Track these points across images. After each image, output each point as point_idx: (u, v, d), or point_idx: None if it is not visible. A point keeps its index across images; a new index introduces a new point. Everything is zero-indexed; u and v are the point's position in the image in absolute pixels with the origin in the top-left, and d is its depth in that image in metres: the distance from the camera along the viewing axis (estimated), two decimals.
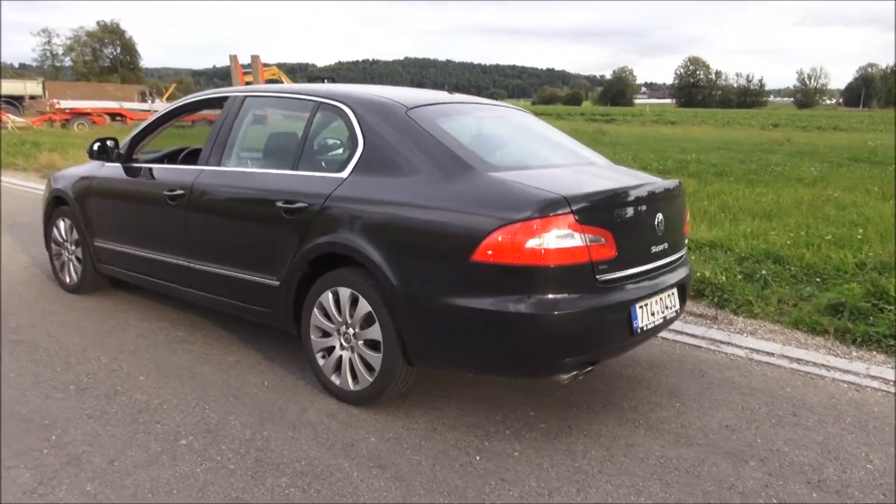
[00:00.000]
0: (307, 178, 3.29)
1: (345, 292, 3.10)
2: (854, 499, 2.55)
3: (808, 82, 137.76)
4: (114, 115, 26.37)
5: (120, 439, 2.81)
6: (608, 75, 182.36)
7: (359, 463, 2.69)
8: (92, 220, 4.51)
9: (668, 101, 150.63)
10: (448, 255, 2.76)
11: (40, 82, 35.73)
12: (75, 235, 4.70)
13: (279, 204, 3.28)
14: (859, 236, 6.12)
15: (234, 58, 29.48)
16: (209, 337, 4.04)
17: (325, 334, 3.24)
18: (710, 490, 2.58)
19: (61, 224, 4.83)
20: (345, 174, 3.15)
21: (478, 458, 2.76)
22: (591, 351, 2.80)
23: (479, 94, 4.24)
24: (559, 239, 2.64)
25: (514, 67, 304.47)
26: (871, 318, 4.32)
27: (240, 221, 3.53)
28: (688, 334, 4.28)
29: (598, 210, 2.77)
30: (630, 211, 2.94)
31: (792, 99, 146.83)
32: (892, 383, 3.63)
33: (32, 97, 33.10)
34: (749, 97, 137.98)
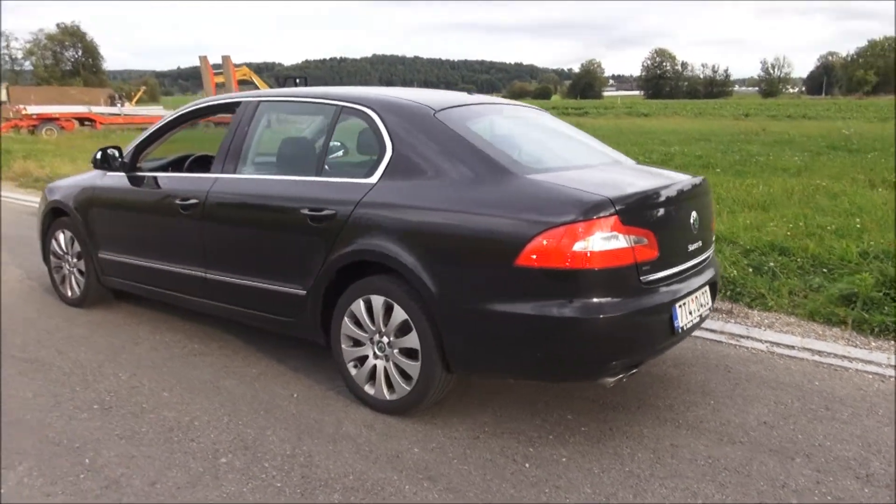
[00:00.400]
0: (333, 185, 3.21)
1: (378, 300, 3.03)
2: None
3: (772, 72, 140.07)
4: (82, 120, 25.75)
5: (157, 460, 2.72)
6: (576, 69, 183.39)
7: (408, 475, 2.63)
8: (95, 232, 4.37)
9: (637, 93, 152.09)
10: (490, 260, 2.71)
11: (4, 87, 34.77)
12: (77, 248, 4.56)
13: (304, 211, 3.20)
14: (858, 225, 6.19)
15: (203, 58, 29.08)
16: (226, 349, 3.94)
17: (357, 343, 3.17)
18: (763, 489, 2.57)
19: (61, 236, 4.67)
20: (373, 179, 3.08)
21: (527, 465, 2.72)
22: (636, 353, 2.77)
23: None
24: (604, 241, 2.61)
25: (482, 63, 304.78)
26: (885, 307, 4.37)
27: (260, 230, 3.44)
28: (707, 329, 4.27)
29: (640, 210, 2.75)
30: (669, 210, 2.92)
31: (757, 88, 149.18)
32: None
33: None
34: (715, 87, 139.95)
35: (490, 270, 2.71)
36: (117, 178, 4.25)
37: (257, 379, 3.51)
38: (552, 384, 3.41)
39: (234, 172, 3.61)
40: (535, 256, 2.61)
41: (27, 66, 78.53)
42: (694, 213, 3.08)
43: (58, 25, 79.13)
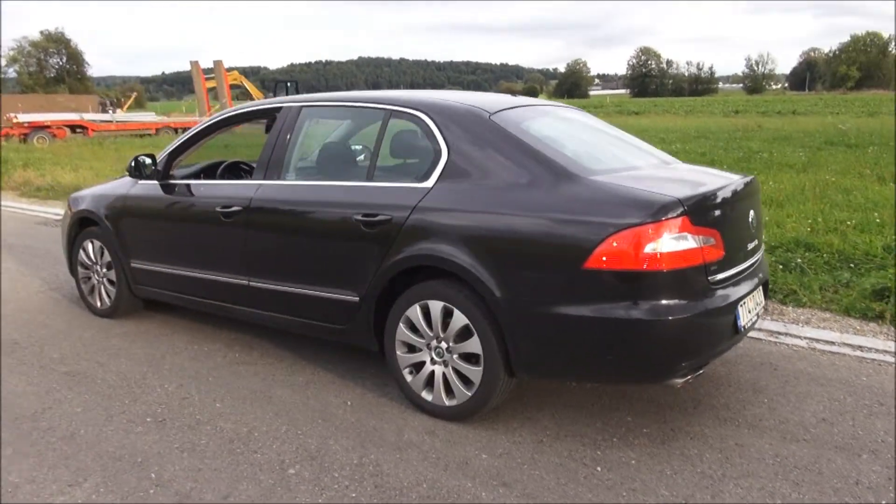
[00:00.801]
0: (387, 189, 3.18)
1: (436, 305, 3.01)
2: None
3: (756, 68, 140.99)
4: (74, 128, 25.51)
5: (224, 472, 2.68)
6: (561, 68, 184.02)
7: (482, 482, 2.61)
8: (128, 241, 4.31)
9: (623, 91, 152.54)
10: (558, 263, 2.70)
11: None
12: (107, 257, 4.50)
13: (357, 217, 3.17)
14: (877, 220, 6.23)
15: (195, 63, 28.93)
16: (267, 357, 3.90)
17: (413, 349, 3.15)
18: (838, 487, 2.57)
19: (89, 246, 4.61)
20: (429, 184, 3.05)
21: (598, 468, 2.70)
22: (704, 354, 2.76)
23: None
24: (675, 242, 2.60)
25: (468, 63, 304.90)
26: None
27: (309, 237, 3.40)
28: None
29: (706, 210, 2.74)
30: (731, 209, 2.92)
31: (741, 85, 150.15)
32: None
33: None
34: (700, 85, 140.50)
35: (558, 273, 2.70)
36: (150, 187, 4.19)
37: (307, 387, 3.47)
38: (610, 386, 3.40)
39: (278, 179, 3.58)
40: (605, 259, 2.59)
41: (10, 73, 77.69)
42: (752, 212, 3.08)
43: (41, 32, 78.29)
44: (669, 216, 2.59)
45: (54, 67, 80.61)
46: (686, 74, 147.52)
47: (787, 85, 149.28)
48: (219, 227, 3.73)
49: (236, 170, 4.52)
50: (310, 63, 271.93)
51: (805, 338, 4.12)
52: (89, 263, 4.65)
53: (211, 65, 29.31)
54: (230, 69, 31.05)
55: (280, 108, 3.72)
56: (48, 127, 24.02)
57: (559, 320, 2.70)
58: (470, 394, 2.98)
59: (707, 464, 2.73)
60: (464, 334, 2.96)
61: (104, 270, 4.56)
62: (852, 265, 5.19)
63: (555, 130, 3.31)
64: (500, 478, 2.64)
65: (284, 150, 3.59)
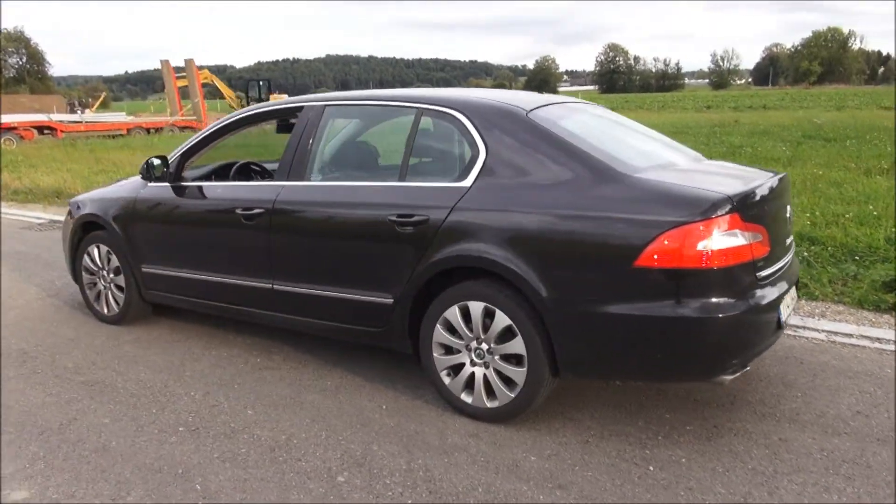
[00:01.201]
0: (423, 189, 3.13)
1: (476, 306, 2.96)
2: None
3: (721, 64, 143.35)
4: (41, 129, 24.87)
5: (271, 482, 2.61)
6: (530, 65, 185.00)
7: (537, 484, 2.58)
8: (138, 245, 4.19)
9: (591, 87, 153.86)
10: (607, 262, 2.67)
11: None
12: (115, 262, 4.36)
13: (391, 218, 3.11)
14: (874, 213, 6.34)
15: (165, 62, 28.47)
16: (290, 361, 3.82)
17: (451, 351, 3.10)
18: (890, 480, 2.59)
19: (95, 251, 4.47)
20: (467, 183, 3.01)
21: (650, 467, 2.69)
22: (753, 350, 2.77)
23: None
24: (726, 239, 2.59)
25: (436, 61, 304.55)
26: None
27: (338, 239, 3.33)
28: None
29: (753, 207, 2.74)
30: (773, 205, 2.93)
31: (707, 81, 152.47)
32: None
33: None
34: (667, 81, 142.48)
35: (607, 272, 2.67)
36: (162, 189, 4.08)
37: (337, 392, 3.41)
38: (649, 384, 3.38)
39: (303, 180, 3.50)
40: (656, 257, 2.58)
41: None
42: (788, 207, 3.09)
43: None
44: (720, 213, 2.58)
45: (14, 67, 78.67)
46: (653, 70, 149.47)
47: (750, 80, 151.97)
48: (239, 229, 3.64)
49: (247, 171, 4.41)
50: (277, 61, 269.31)
51: (823, 331, 4.16)
52: (95, 269, 4.51)
53: (180, 64, 28.87)
54: (200, 68, 30.53)
55: (302, 107, 3.63)
56: (15, 129, 23.38)
57: (608, 319, 2.68)
58: (513, 395, 2.94)
59: (756, 460, 2.73)
60: (506, 335, 2.92)
61: (111, 276, 4.42)
62: (857, 258, 5.26)
63: (588, 127, 3.29)
64: (553, 480, 2.61)
65: (308, 151, 3.51)
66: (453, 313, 3.03)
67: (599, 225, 2.68)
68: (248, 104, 34.29)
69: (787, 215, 3.08)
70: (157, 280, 4.16)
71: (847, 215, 6.31)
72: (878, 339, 4.01)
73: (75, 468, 2.73)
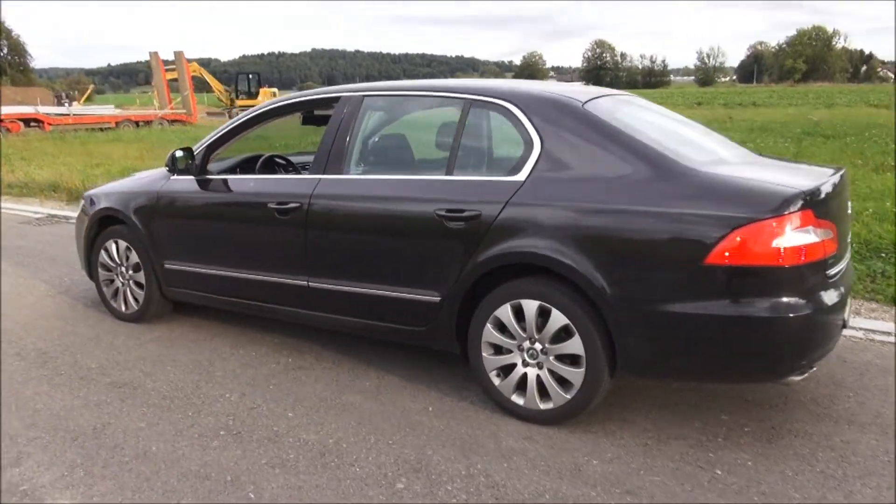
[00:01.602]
0: (473, 183, 3.02)
1: (531, 304, 2.86)
2: None
3: (707, 61, 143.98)
4: (28, 121, 24.43)
5: (328, 490, 2.49)
6: (517, 61, 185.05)
7: (605, 490, 2.48)
8: (161, 240, 4.04)
9: (579, 84, 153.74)
10: (676, 259, 2.58)
11: None
12: (134, 258, 4.21)
13: (440, 213, 3.00)
14: (893, 210, 6.31)
15: (154, 55, 28.08)
16: (323, 361, 3.69)
17: (501, 351, 3.00)
18: None
19: (113, 247, 4.31)
20: (521, 177, 2.90)
21: (718, 471, 2.60)
22: (822, 349, 2.69)
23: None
24: (799, 236, 2.50)
25: (423, 56, 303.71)
26: None
27: (381, 234, 3.21)
28: None
29: (824, 203, 2.66)
30: (839, 201, 2.85)
31: (693, 78, 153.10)
32: None
33: None
34: (654, 77, 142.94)
35: (676, 270, 2.58)
36: (187, 182, 3.93)
37: (378, 392, 3.29)
38: (716, 385, 3.29)
39: (341, 173, 3.37)
40: (727, 254, 2.49)
41: None
42: (849, 203, 3.01)
43: None
44: (793, 209, 2.49)
45: None
46: (640, 67, 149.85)
47: (735, 77, 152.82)
48: (272, 225, 3.50)
49: (272, 164, 4.27)
50: (262, 55, 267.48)
51: (860, 328, 4.10)
52: (113, 265, 4.35)
53: (168, 56, 28.50)
54: (188, 61, 30.15)
55: (338, 98, 3.50)
56: (1, 121, 22.95)
57: (676, 318, 2.58)
58: (569, 396, 2.85)
59: (824, 463, 2.66)
60: (562, 335, 2.82)
61: (130, 272, 4.27)
62: (882, 255, 5.22)
63: (642, 120, 3.18)
64: (620, 485, 2.51)
65: (346, 143, 3.38)
66: (505, 312, 2.93)
67: (667, 221, 2.58)
68: (238, 98, 34.18)
69: (849, 211, 3.00)
70: (180, 277, 4.02)
71: (867, 212, 6.27)
72: None
73: (117, 476, 2.59)
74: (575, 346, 2.79)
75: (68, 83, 72.16)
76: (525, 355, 2.94)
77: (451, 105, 3.22)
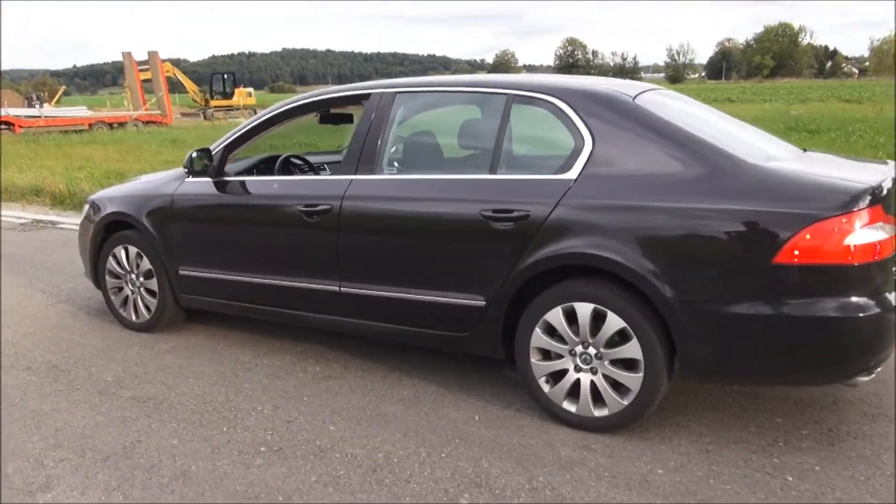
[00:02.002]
0: (521, 182, 2.90)
1: (584, 307, 2.75)
2: None
3: (677, 58, 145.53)
4: None
5: None
6: (489, 59, 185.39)
7: (677, 501, 2.38)
8: (176, 246, 3.86)
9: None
10: (742, 258, 2.49)
11: None
12: (146, 265, 4.02)
13: (485, 213, 2.88)
14: None
15: (127, 55, 27.49)
16: (352, 369, 3.55)
17: (551, 356, 2.89)
18: None
19: (122, 253, 4.12)
20: (572, 175, 2.79)
21: (788, 478, 2.52)
22: (889, 348, 2.61)
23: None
24: (870, 233, 2.43)
25: (395, 55, 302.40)
26: None
27: (422, 236, 3.08)
28: None
29: (889, 198, 2.58)
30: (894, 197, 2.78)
31: (663, 75, 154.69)
32: None
33: None
34: (625, 75, 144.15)
35: (742, 269, 2.49)
36: (204, 185, 3.75)
37: (418, 402, 3.16)
38: (780, 387, 3.21)
39: (374, 173, 3.23)
40: (797, 252, 2.40)
41: None
42: None
43: None
44: (862, 205, 2.42)
45: None
46: (611, 64, 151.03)
47: (704, 74, 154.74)
48: (300, 228, 3.35)
49: (288, 165, 4.10)
50: (232, 55, 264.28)
51: None
52: (122, 272, 4.15)
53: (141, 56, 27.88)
54: (162, 61, 29.55)
55: (368, 94, 3.36)
56: None
57: (742, 320, 2.50)
58: (626, 402, 2.74)
59: (891, 465, 2.59)
60: (619, 338, 2.72)
61: (141, 279, 4.08)
62: None
63: (692, 115, 3.09)
64: (692, 495, 2.42)
65: (378, 141, 3.24)
66: (556, 315, 2.81)
67: (733, 219, 2.49)
68: (213, 98, 33.63)
69: None
70: (196, 283, 3.84)
71: None
72: None
73: (159, 499, 2.43)
74: (632, 349, 2.69)
75: (33, 85, 70.53)
76: (577, 360, 2.83)
77: (493, 101, 3.09)
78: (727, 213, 2.50)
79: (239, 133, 3.74)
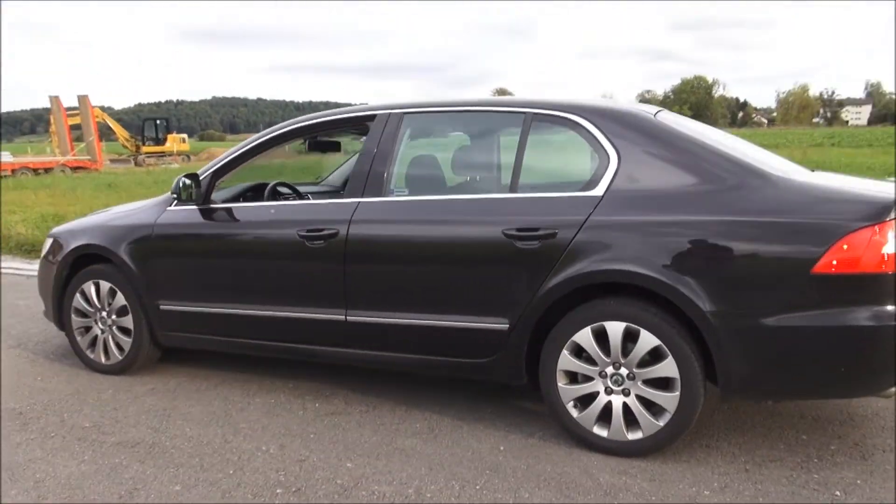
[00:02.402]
0: (545, 201, 2.82)
1: (615, 326, 2.67)
2: None
3: None
4: None
5: None
6: None
7: None
8: (156, 279, 3.58)
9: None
10: (780, 270, 2.47)
11: None
12: (120, 301, 3.71)
13: (508, 233, 2.78)
14: None
15: (55, 98, 26.57)
16: (354, 403, 3.34)
17: (579, 379, 2.78)
18: None
19: (91, 289, 3.79)
20: (599, 192, 2.73)
21: (838, 493, 2.46)
22: None
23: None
24: None
25: (327, 103, 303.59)
26: None
27: (438, 260, 2.95)
28: None
29: None
30: None
31: None
32: None
33: None
34: None
35: (780, 282, 2.47)
36: (188, 213, 3.52)
37: (435, 434, 2.98)
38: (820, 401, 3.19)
39: (381, 195, 3.10)
40: (835, 263, 2.40)
41: None
42: None
43: None
44: (894, 215, 2.44)
45: None
46: None
47: None
48: (300, 255, 3.17)
49: (275, 193, 3.89)
50: (160, 102, 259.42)
51: None
52: (90, 310, 3.82)
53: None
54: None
55: (374, 115, 3.24)
56: None
57: (784, 333, 2.46)
58: (662, 424, 2.65)
59: None
60: (651, 357, 2.64)
61: (113, 317, 3.76)
62: None
63: (707, 133, 3.10)
64: None
65: (386, 163, 3.12)
66: (586, 336, 2.72)
67: (768, 231, 2.48)
68: (145, 144, 32.76)
69: None
70: (180, 319, 3.57)
71: None
72: None
73: None
74: (668, 368, 2.61)
75: None
76: (608, 382, 2.73)
77: (511, 121, 3.03)
78: (764, 225, 2.49)
79: (228, 159, 3.54)
